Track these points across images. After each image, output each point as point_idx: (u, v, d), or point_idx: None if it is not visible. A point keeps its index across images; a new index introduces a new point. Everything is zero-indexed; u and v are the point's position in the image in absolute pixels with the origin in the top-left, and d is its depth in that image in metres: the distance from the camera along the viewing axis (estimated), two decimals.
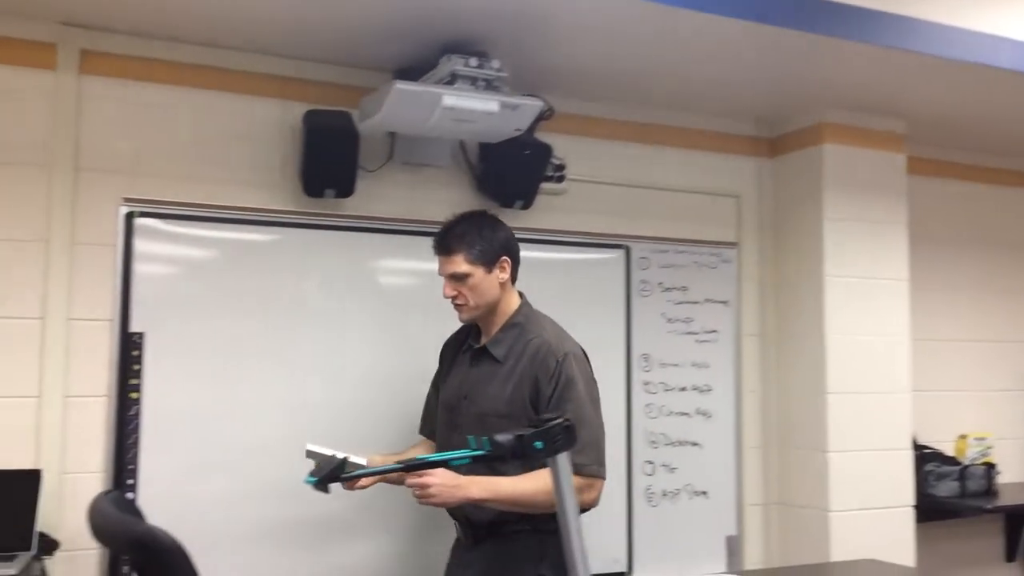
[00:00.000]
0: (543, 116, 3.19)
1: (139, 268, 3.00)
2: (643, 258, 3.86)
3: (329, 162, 3.15)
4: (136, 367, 2.97)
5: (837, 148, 3.91)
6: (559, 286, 3.65)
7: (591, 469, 2.37)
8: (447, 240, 2.55)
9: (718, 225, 4.05)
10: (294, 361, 3.19)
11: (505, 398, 2.45)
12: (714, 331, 4.00)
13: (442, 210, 3.43)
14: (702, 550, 3.89)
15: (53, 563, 2.69)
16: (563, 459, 1.87)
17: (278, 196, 3.22)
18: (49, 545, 2.68)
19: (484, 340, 2.58)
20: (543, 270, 3.64)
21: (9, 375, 2.83)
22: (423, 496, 2.25)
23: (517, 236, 3.54)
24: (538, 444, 1.86)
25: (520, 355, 2.48)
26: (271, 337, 3.16)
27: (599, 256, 3.78)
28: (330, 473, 1.76)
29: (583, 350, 2.57)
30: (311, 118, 3.11)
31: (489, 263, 2.53)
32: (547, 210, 3.62)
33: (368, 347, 3.31)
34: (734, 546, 3.97)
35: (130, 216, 3.01)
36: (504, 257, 2.56)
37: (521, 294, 2.66)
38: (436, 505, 2.29)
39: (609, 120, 3.80)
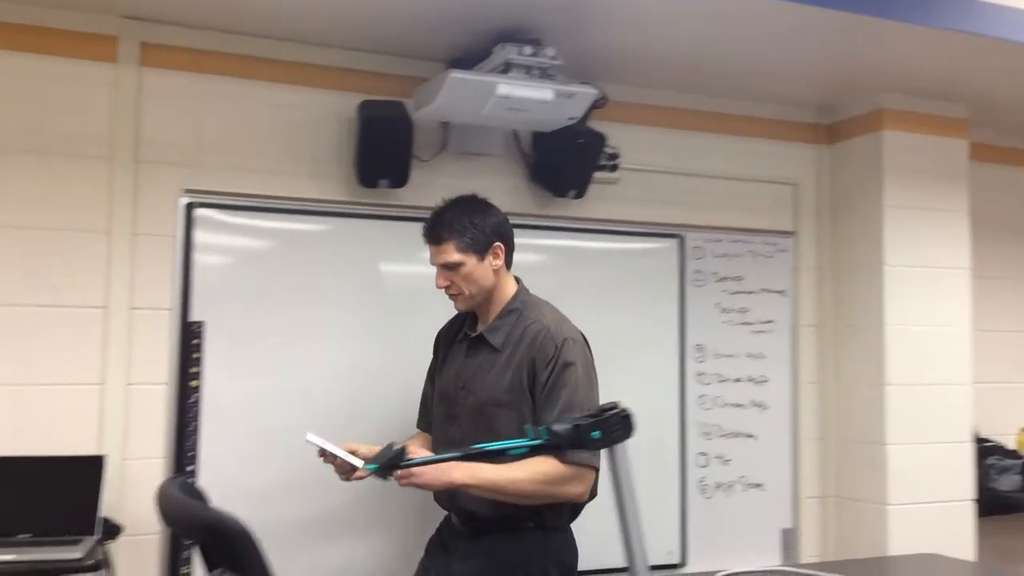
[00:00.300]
0: (597, 104, 3.17)
1: (198, 258, 3.05)
2: (697, 247, 3.82)
3: (383, 152, 3.16)
4: (196, 355, 3.01)
5: (897, 134, 3.83)
6: (612, 276, 3.64)
7: (581, 457, 2.24)
8: (436, 228, 2.45)
9: (774, 213, 3.99)
10: (349, 350, 3.22)
11: (504, 386, 2.37)
12: (770, 321, 3.94)
13: (495, 200, 3.41)
14: (757, 543, 3.85)
15: (116, 547, 2.75)
16: (621, 450, 1.86)
17: (333, 186, 3.25)
18: (112, 530, 2.74)
19: (480, 328, 2.49)
20: (595, 260, 3.63)
21: (74, 363, 2.89)
22: (407, 475, 2.12)
23: (570, 226, 3.59)
24: (596, 434, 1.84)
25: (518, 342, 2.39)
26: (326, 326, 3.19)
27: (652, 245, 3.75)
28: (390, 460, 1.77)
29: (583, 336, 2.48)
30: (365, 108, 3.13)
31: (481, 250, 2.43)
32: (600, 199, 3.60)
33: (423, 336, 3.31)
34: (790, 539, 3.93)
35: (190, 207, 3.05)
36: (497, 243, 2.46)
37: (518, 279, 2.57)
38: (419, 486, 2.18)
39: (663, 108, 3.76)
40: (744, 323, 3.89)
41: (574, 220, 3.60)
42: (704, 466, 3.77)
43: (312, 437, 2.31)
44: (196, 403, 3.00)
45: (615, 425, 1.86)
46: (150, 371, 2.97)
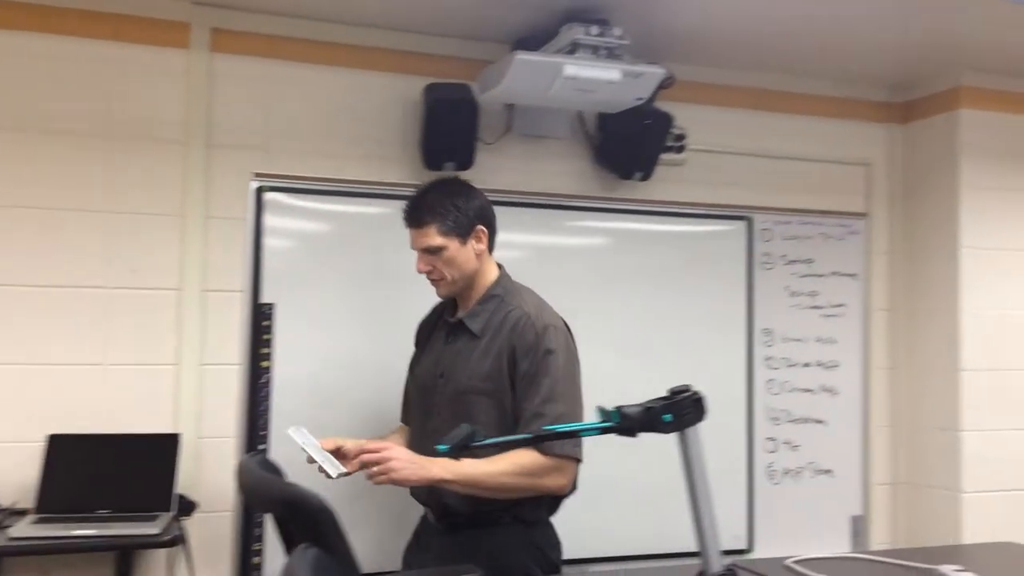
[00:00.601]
0: (664, 84, 3.12)
1: (268, 241, 3.10)
2: (766, 230, 3.76)
3: (449, 135, 3.17)
4: (266, 336, 3.06)
5: (975, 113, 3.71)
6: (678, 259, 3.61)
7: (563, 449, 2.17)
8: (418, 211, 2.34)
9: (846, 195, 3.90)
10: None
11: (483, 373, 2.27)
12: (841, 305, 3.87)
13: (560, 182, 3.46)
14: (826, 529, 3.80)
15: (191, 523, 2.81)
16: (692, 433, 1.84)
17: (399, 169, 3.26)
18: (187, 506, 2.81)
19: (461, 314, 2.40)
20: (662, 243, 3.60)
21: (149, 343, 2.96)
22: (383, 471, 2.04)
23: (636, 209, 3.56)
24: (667, 417, 1.82)
25: (499, 328, 2.30)
26: (393, 308, 3.21)
27: (720, 228, 3.70)
28: (461, 441, 1.77)
29: (565, 323, 2.39)
30: (431, 91, 3.13)
31: (464, 234, 2.33)
32: (666, 181, 3.56)
33: None
34: (860, 526, 3.86)
35: (260, 191, 3.10)
36: (479, 226, 2.36)
37: (500, 265, 2.46)
38: (395, 482, 2.06)
39: (731, 87, 3.70)
40: (814, 307, 3.82)
41: (640, 203, 3.57)
42: (772, 452, 3.72)
43: (293, 432, 2.20)
44: (267, 383, 3.05)
45: (687, 408, 1.84)
46: (223, 352, 3.03)
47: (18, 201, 2.86)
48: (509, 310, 2.31)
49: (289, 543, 1.36)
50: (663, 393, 1.86)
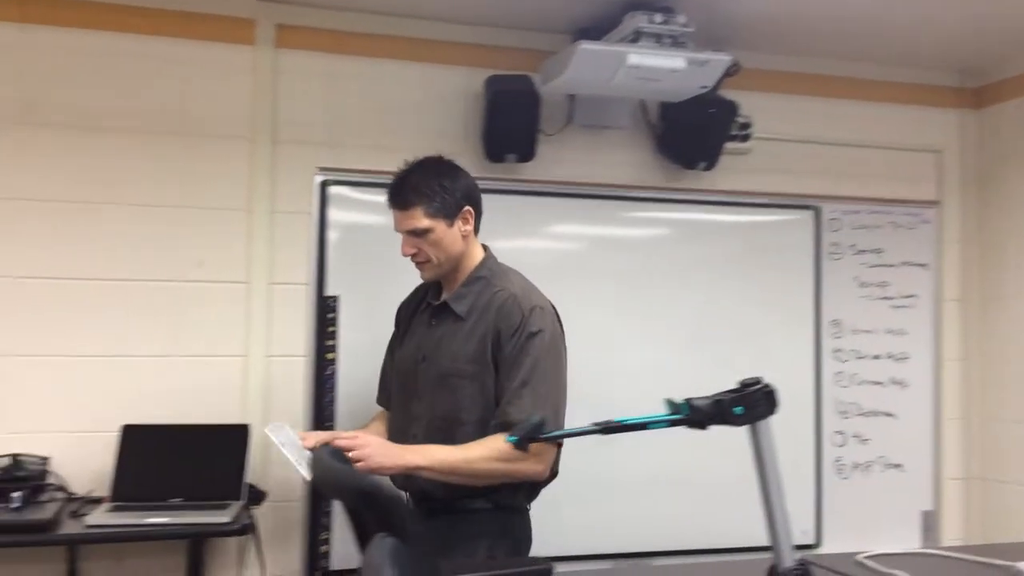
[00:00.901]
0: (729, 72, 3.07)
1: (333, 235, 3.12)
2: (834, 219, 3.69)
3: (510, 126, 3.16)
4: (331, 329, 3.09)
5: None
6: (743, 250, 3.56)
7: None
8: (403, 192, 2.25)
9: (916, 183, 3.81)
10: None
11: (467, 356, 2.21)
12: (911, 296, 3.78)
13: (622, 173, 3.43)
14: (895, 525, 3.72)
15: (260, 512, 2.86)
16: (764, 426, 1.81)
17: (461, 162, 3.24)
18: (257, 495, 2.85)
19: (445, 295, 2.33)
20: (726, 233, 3.55)
21: (219, 336, 3.01)
22: (356, 459, 1.99)
23: (700, 199, 3.52)
24: (738, 409, 1.79)
25: (484, 310, 2.23)
26: None
27: (786, 218, 3.64)
28: (529, 432, 1.76)
29: (553, 306, 2.31)
30: (493, 83, 3.13)
31: (450, 215, 2.25)
32: (731, 171, 3.51)
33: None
34: (930, 521, 3.77)
35: (324, 185, 3.12)
36: (466, 207, 2.28)
37: (486, 247, 2.38)
38: (372, 471, 1.99)
39: (797, 74, 3.63)
40: (884, 298, 3.74)
41: (704, 192, 3.52)
42: (841, 445, 3.65)
43: (271, 431, 2.15)
44: (332, 375, 3.08)
45: (758, 401, 1.80)
46: (289, 344, 3.07)
47: (91, 197, 2.93)
48: (495, 291, 2.25)
49: (361, 533, 1.38)
50: (728, 386, 1.83)
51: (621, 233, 3.46)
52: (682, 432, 1.86)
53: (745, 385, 1.83)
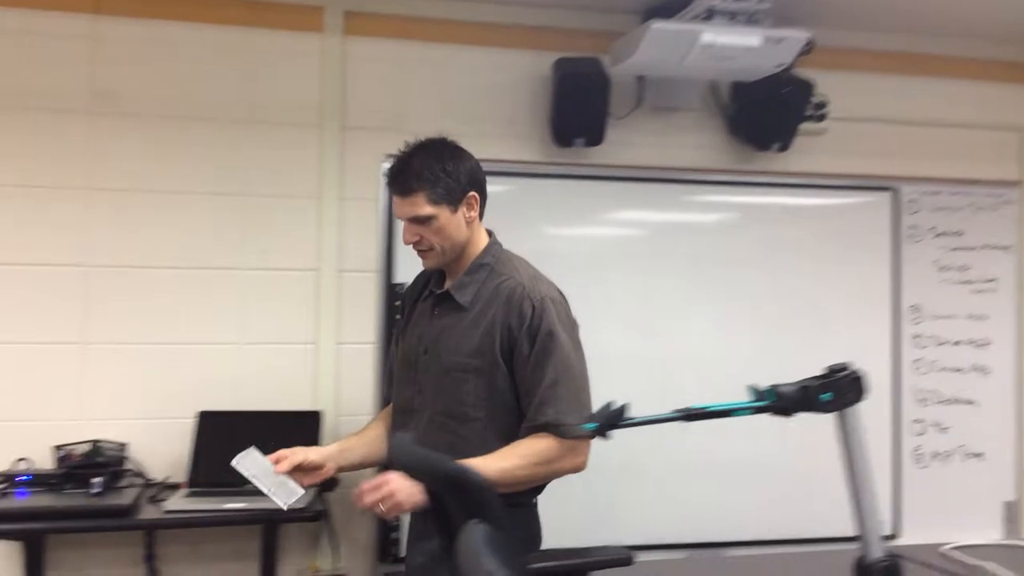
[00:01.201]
0: (805, 50, 2.99)
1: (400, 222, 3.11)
2: (912, 201, 3.58)
3: (579, 110, 3.12)
4: (399, 316, 3.08)
5: None
6: (818, 234, 3.48)
7: (572, 431, 2.01)
8: (404, 177, 2.11)
9: (998, 162, 3.68)
10: None
11: (472, 348, 2.09)
12: (993, 280, 3.65)
13: (693, 156, 3.37)
14: (976, 515, 3.61)
15: (333, 498, 2.87)
16: (852, 413, 1.76)
17: (529, 147, 3.24)
18: (330, 482, 2.84)
19: (448, 284, 2.21)
20: (801, 217, 3.48)
21: (290, 323, 3.03)
22: (390, 506, 1.86)
23: (774, 182, 3.44)
24: (825, 396, 1.75)
25: (490, 300, 2.11)
26: None
27: (863, 200, 3.55)
28: (609, 419, 1.72)
29: (560, 292, 2.19)
30: (561, 66, 3.09)
31: (455, 201, 2.11)
32: (806, 152, 3.42)
33: (614, 302, 3.28)
34: (1013, 512, 3.66)
35: None
36: (471, 193, 2.14)
37: (490, 232, 2.25)
38: (407, 509, 1.87)
39: (875, 51, 3.51)
40: (964, 282, 3.62)
41: (778, 175, 3.44)
42: (920, 434, 3.55)
43: (238, 463, 2.06)
44: None
45: (846, 387, 1.75)
46: (358, 331, 3.08)
47: (163, 186, 2.97)
48: (501, 280, 2.13)
49: (443, 518, 1.36)
50: (802, 375, 1.78)
51: (692, 218, 3.40)
52: (755, 419, 1.82)
53: (833, 371, 1.78)
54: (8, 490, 2.61)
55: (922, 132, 3.58)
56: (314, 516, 2.65)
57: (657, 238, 3.35)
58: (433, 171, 2.09)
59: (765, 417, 1.79)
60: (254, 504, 2.57)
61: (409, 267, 3.09)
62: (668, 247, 3.34)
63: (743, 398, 1.81)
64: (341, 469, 2.25)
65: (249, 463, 2.05)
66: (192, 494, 2.68)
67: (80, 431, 2.80)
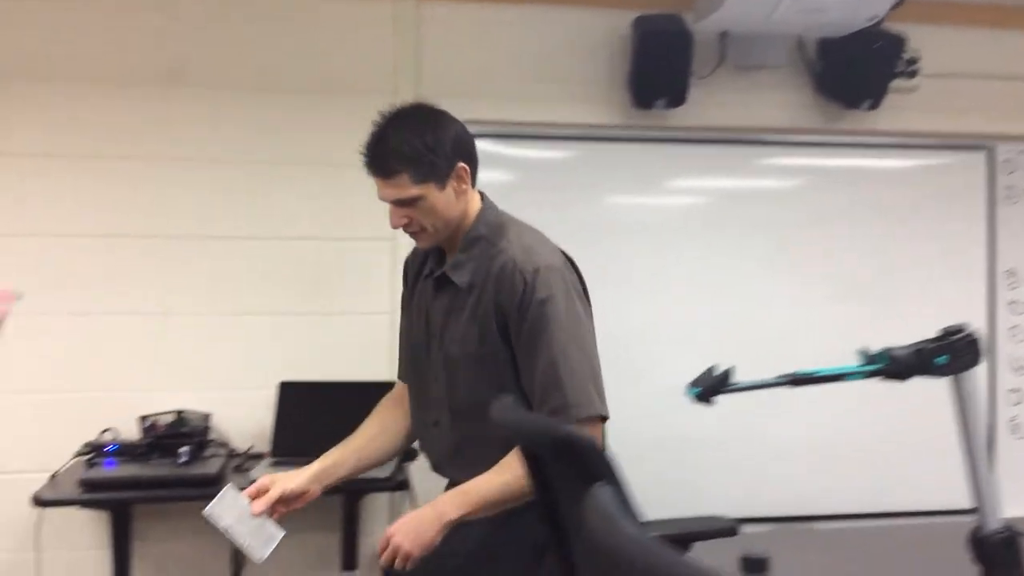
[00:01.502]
0: (898, 2, 2.84)
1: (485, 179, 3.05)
2: (1008, 160, 3.43)
3: (659, 70, 3.02)
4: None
5: None
6: (909, 195, 3.36)
7: (580, 410, 1.79)
8: (383, 157, 1.87)
9: None
10: (629, 282, 3.15)
11: (475, 337, 1.88)
12: None
13: (778, 115, 3.26)
14: None
15: (414, 468, 2.85)
16: (968, 378, 1.66)
17: (607, 110, 3.15)
18: (411, 452, 2.82)
19: (448, 262, 1.97)
20: (890, 178, 3.36)
21: (368, 293, 3.01)
22: (402, 558, 1.75)
23: (863, 142, 3.30)
24: (941, 359, 1.66)
25: (486, 278, 1.89)
26: (611, 259, 3.12)
27: (956, 160, 3.41)
28: (714, 383, 1.66)
29: (566, 258, 1.95)
30: (641, 24, 2.99)
31: (442, 177, 1.87)
32: (897, 110, 3.27)
33: (704, 266, 3.19)
34: None
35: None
36: (460, 164, 1.89)
37: (482, 195, 2.00)
38: (419, 555, 1.76)
39: (971, 4, 3.35)
40: None
41: (867, 134, 3.31)
42: (1016, 404, 3.41)
43: (211, 512, 1.87)
44: None
45: (963, 350, 1.66)
46: None
47: (240, 158, 2.96)
48: (495, 254, 1.90)
49: (543, 484, 1.31)
50: (894, 343, 1.67)
51: (776, 182, 3.31)
52: (845, 388, 1.72)
53: (948, 333, 1.69)
54: (96, 460, 2.63)
55: (1019, 88, 3.40)
56: (396, 486, 2.63)
57: (741, 202, 3.26)
58: (414, 147, 1.85)
59: (854, 386, 1.72)
60: None
61: None
62: (753, 211, 3.24)
63: (838, 364, 1.73)
64: (329, 487, 2.06)
65: (222, 510, 1.86)
66: (276, 463, 2.68)
67: (163, 402, 2.81)
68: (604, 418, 1.83)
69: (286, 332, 2.98)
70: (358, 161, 2.97)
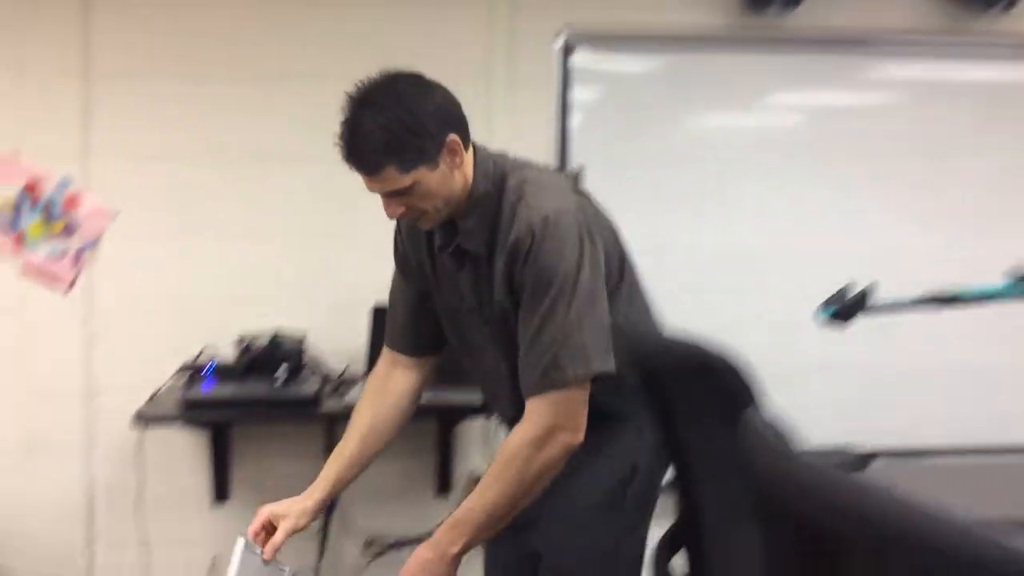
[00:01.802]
0: None
1: (578, 98, 2.94)
2: None
3: None
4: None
5: None
6: None
7: (562, 374, 1.64)
8: (363, 154, 1.67)
9: None
10: (737, 206, 2.99)
11: (503, 299, 1.76)
12: None
13: (904, 16, 3.01)
14: None
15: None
16: None
17: (717, 12, 2.96)
18: None
19: (460, 228, 1.79)
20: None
21: None
22: None
23: (998, 41, 3.01)
24: None
25: (497, 233, 1.75)
26: (712, 187, 2.96)
27: None
28: (850, 304, 1.51)
29: (579, 196, 1.79)
30: None
31: (432, 158, 1.66)
32: None
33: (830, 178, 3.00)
34: None
35: (566, 49, 2.91)
36: (450, 136, 1.67)
37: (475, 147, 1.78)
38: None
39: None
40: None
41: (1003, 37, 3.02)
42: None
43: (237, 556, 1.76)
44: None
45: None
46: None
47: (319, 70, 2.87)
48: (502, 208, 1.75)
49: (668, 410, 1.21)
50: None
51: (898, 95, 3.08)
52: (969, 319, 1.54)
53: None
54: (195, 381, 2.63)
55: None
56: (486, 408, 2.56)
57: (856, 113, 3.03)
58: (393, 133, 1.64)
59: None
60: (432, 397, 2.50)
61: (584, 151, 2.90)
62: (865, 125, 3.01)
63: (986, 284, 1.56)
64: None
65: (237, 570, 1.73)
66: None
67: (259, 323, 2.79)
68: (605, 374, 1.66)
69: (383, 256, 2.91)
70: (449, 74, 2.84)
